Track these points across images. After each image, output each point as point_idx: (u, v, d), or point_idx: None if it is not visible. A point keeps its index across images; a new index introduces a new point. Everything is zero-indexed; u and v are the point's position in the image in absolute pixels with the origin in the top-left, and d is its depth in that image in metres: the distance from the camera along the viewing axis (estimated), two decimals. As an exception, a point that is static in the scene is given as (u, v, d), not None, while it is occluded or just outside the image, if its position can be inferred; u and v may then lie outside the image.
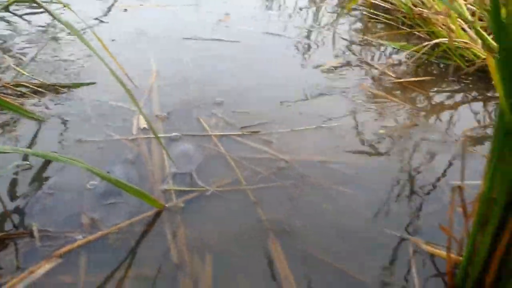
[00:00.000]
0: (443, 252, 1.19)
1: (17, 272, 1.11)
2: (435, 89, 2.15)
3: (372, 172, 1.53)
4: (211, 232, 1.26)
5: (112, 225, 1.26)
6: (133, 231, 1.25)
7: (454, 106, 2.00)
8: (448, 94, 2.11)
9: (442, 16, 2.40)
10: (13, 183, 1.41)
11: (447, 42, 2.26)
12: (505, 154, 0.95)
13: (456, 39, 2.26)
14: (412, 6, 2.69)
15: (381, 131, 1.76)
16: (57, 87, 1.92)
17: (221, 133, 1.68)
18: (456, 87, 2.17)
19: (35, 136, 1.63)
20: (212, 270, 1.15)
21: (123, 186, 1.28)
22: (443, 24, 2.44)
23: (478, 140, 1.74)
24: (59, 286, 1.10)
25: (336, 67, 2.28)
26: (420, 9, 2.62)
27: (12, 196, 1.35)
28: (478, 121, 1.90)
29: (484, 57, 2.17)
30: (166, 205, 1.34)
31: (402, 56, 2.44)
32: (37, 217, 1.28)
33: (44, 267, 1.13)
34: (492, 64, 0.96)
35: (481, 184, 1.01)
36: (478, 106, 2.03)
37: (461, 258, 1.12)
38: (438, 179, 1.51)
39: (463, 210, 1.10)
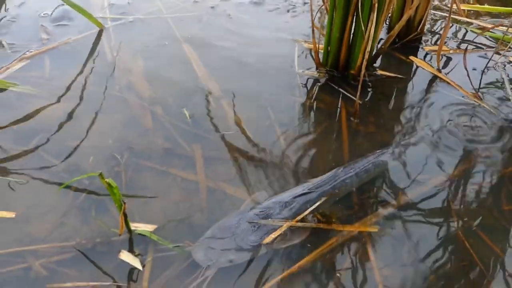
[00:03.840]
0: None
1: (-5, 68, 1.48)
2: None
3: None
4: (139, 43, 1.65)
5: (66, 39, 1.62)
6: (81, 42, 1.63)
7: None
8: None
9: None
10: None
11: None
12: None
13: None
14: None
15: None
16: None
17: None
18: None
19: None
20: (143, 65, 1.55)
21: (76, 8, 1.63)
22: None
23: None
24: (29, 78, 1.47)
25: None
26: None
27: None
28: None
29: None
30: (105, 26, 1.70)
31: None
32: (4, 36, 1.62)
33: (18, 65, 1.50)
34: None
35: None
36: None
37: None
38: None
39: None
